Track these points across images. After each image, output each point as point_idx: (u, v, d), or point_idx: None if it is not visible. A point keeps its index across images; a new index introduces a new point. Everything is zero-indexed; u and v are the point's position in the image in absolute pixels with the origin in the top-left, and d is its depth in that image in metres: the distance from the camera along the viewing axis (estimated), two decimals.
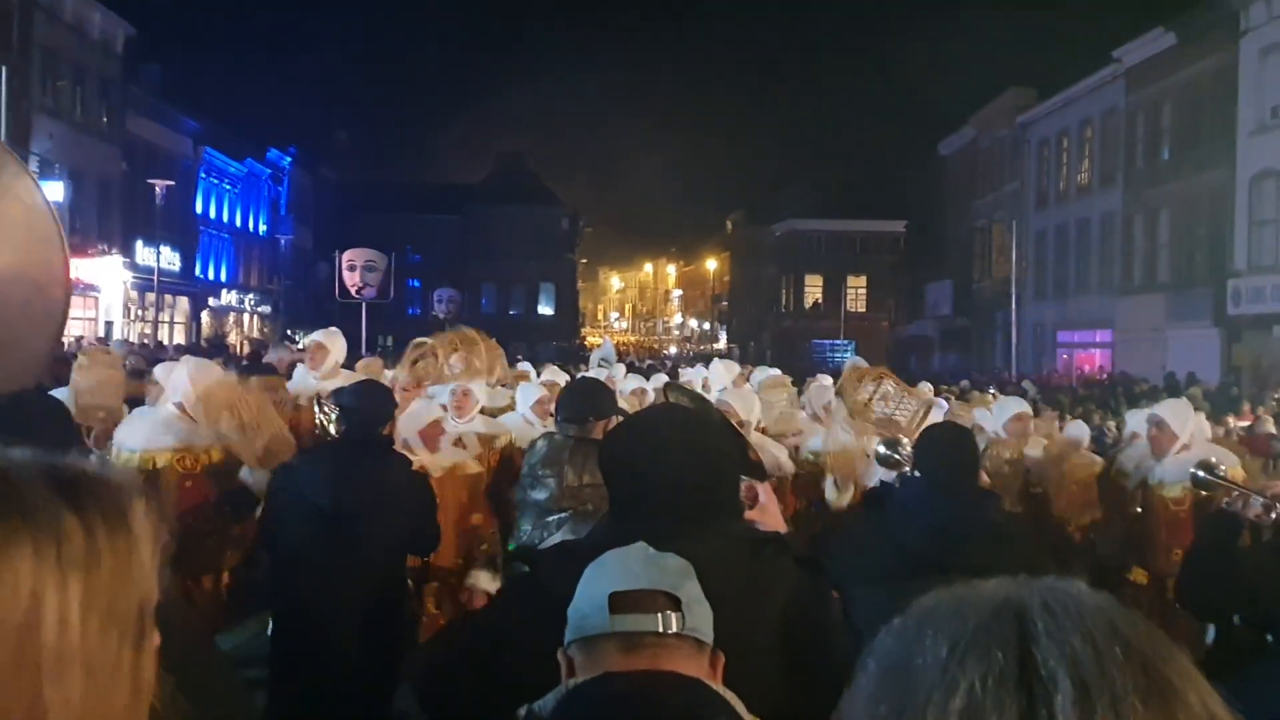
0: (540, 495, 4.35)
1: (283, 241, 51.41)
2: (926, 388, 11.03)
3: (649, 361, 31.53)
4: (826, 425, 6.52)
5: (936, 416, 6.06)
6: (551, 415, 5.45)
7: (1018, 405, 6.91)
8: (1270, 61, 25.55)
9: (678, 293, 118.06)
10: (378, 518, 4.31)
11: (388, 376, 7.22)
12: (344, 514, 4.27)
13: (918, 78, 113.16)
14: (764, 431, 6.20)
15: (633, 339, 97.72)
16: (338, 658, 4.25)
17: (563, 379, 8.18)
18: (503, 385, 7.80)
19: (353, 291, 31.94)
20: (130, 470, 4.41)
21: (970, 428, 4.98)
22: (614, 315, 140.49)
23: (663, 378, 10.13)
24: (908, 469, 4.48)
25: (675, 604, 1.66)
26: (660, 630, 1.64)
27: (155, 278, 32.05)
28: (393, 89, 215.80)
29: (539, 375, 9.10)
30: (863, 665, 0.87)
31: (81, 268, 28.08)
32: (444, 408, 6.14)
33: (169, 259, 36.22)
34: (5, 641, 0.87)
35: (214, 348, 26.58)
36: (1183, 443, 5.62)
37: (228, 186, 46.06)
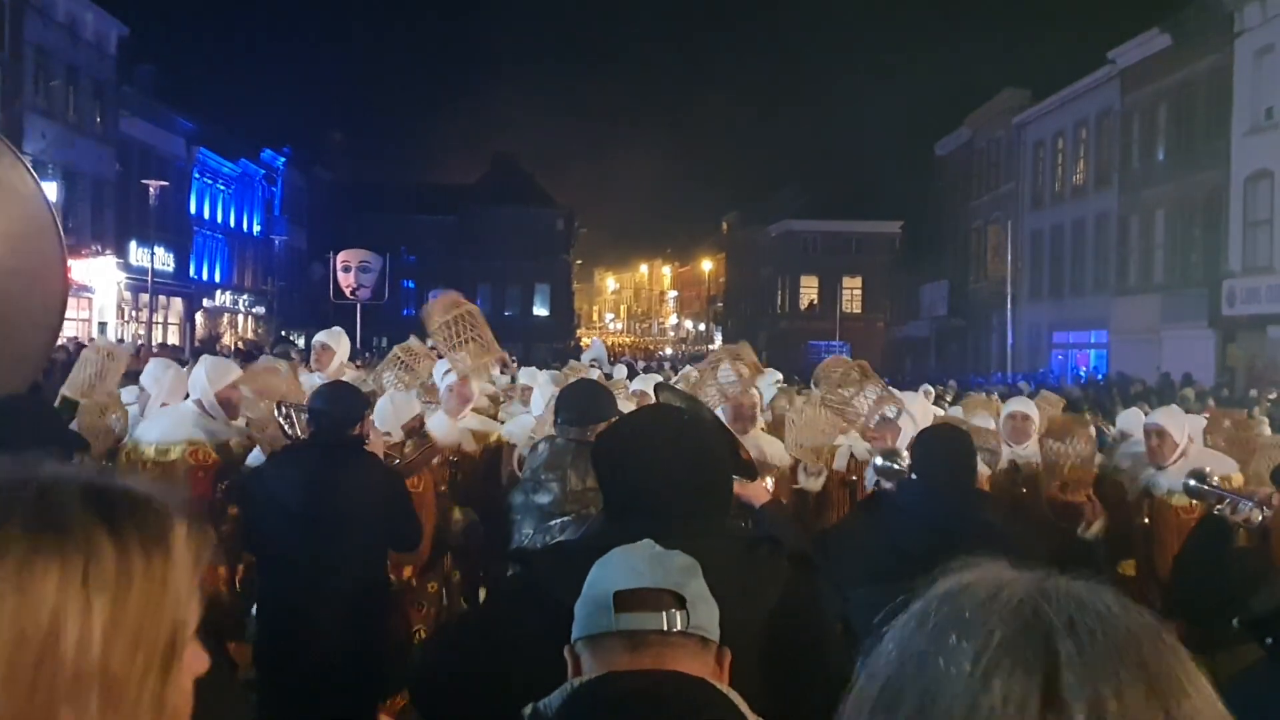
0: (544, 499, 4.33)
1: (277, 242, 51.39)
2: (926, 390, 11.04)
3: (643, 363, 31.51)
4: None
5: (918, 413, 6.07)
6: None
7: (1019, 404, 6.85)
8: (1265, 62, 25.61)
9: (673, 294, 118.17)
10: (350, 518, 4.30)
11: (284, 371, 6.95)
12: (314, 516, 4.27)
13: (913, 78, 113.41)
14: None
15: (628, 340, 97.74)
16: (320, 658, 4.25)
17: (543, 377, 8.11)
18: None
19: (347, 292, 31.98)
20: (177, 492, 4.41)
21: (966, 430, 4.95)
22: (609, 316, 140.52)
23: (655, 378, 10.10)
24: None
25: (680, 602, 1.67)
26: (665, 628, 1.65)
27: (149, 278, 32.04)
28: (387, 89, 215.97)
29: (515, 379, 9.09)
30: (879, 648, 0.86)
31: (75, 268, 28.00)
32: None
33: (163, 260, 36.18)
34: (24, 658, 0.86)
35: (207, 349, 26.50)
36: (1181, 450, 5.65)
37: (222, 187, 46.03)
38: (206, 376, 5.39)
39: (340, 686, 4.25)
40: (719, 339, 79.68)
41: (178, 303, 40.96)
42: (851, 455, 6.16)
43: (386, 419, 5.42)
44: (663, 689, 1.60)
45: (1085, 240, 35.22)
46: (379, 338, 37.89)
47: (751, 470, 2.82)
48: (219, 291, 45.93)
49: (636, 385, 8.03)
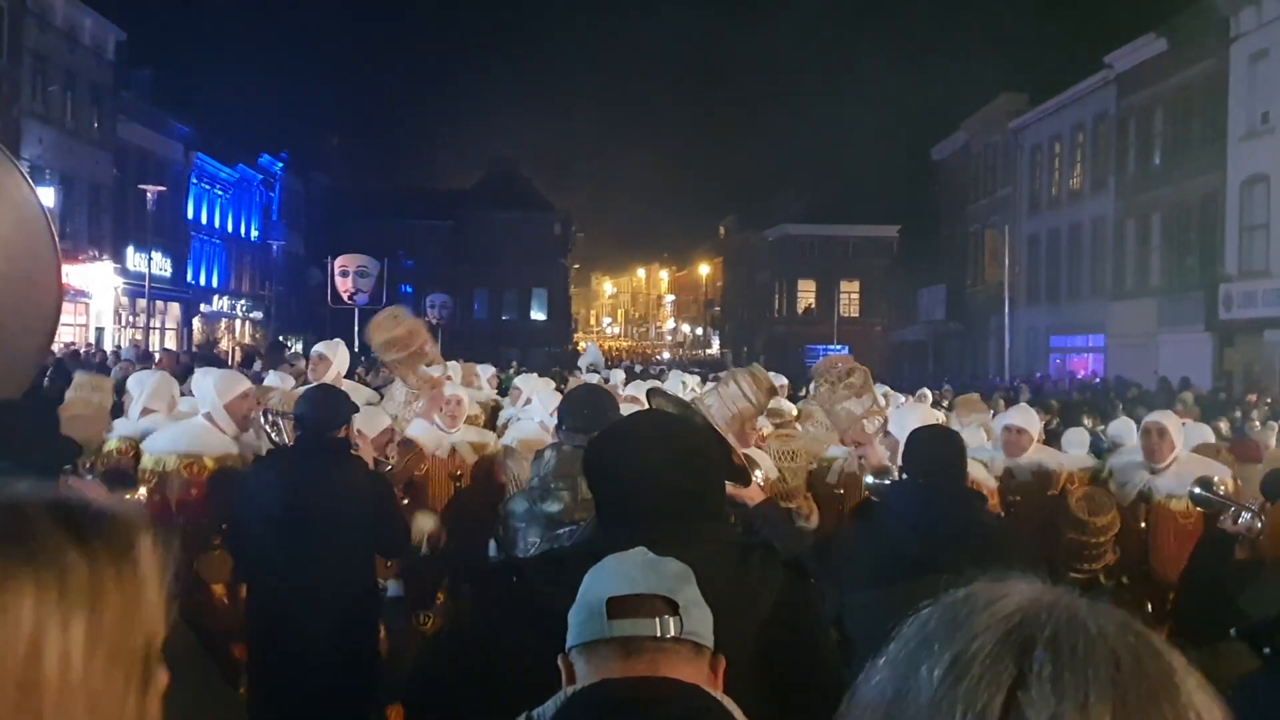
0: (553, 507, 4.30)
1: (275, 247, 51.33)
2: (923, 395, 11.04)
3: (641, 368, 31.49)
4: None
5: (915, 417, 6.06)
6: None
7: (1015, 417, 6.72)
8: (1260, 67, 25.65)
9: (670, 298, 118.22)
10: (335, 522, 4.29)
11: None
12: (299, 520, 4.25)
13: (910, 83, 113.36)
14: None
15: (625, 344, 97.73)
16: (309, 662, 4.24)
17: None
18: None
19: (345, 297, 31.92)
20: (139, 504, 4.40)
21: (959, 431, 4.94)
22: (606, 320, 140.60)
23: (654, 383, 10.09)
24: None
25: (673, 608, 1.66)
26: (658, 635, 1.65)
27: (146, 284, 31.95)
28: (385, 95, 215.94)
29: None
30: (885, 648, 0.86)
31: (72, 274, 27.98)
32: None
33: (160, 265, 36.10)
34: (6, 679, 0.85)
35: (205, 354, 26.46)
36: (1177, 452, 5.69)
37: (219, 192, 45.99)
38: (215, 389, 5.30)
39: (329, 690, 4.25)
40: (716, 343, 79.77)
41: (175, 308, 40.88)
42: (842, 470, 6.12)
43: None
44: (657, 696, 1.60)
45: (1082, 244, 35.26)
46: None
47: (745, 475, 2.82)
48: (216, 296, 45.87)
49: (629, 390, 8.03)
